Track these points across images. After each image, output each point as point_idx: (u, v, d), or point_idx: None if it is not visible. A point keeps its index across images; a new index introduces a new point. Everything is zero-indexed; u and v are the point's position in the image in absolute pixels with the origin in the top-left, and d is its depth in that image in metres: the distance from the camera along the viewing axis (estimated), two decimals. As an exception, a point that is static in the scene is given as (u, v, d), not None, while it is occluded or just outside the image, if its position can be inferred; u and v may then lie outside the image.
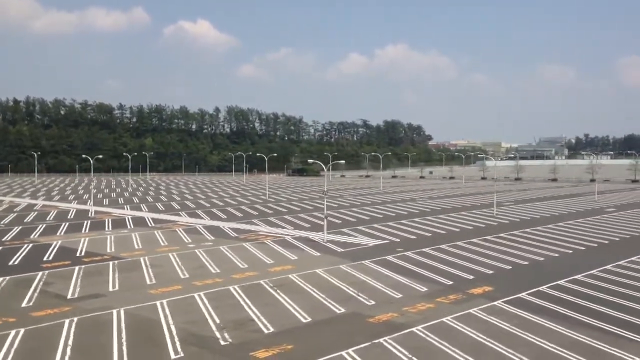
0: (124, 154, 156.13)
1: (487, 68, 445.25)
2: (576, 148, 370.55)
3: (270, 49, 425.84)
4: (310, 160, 74.96)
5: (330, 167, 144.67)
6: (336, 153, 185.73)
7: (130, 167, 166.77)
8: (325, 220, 41.64)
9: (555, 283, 27.02)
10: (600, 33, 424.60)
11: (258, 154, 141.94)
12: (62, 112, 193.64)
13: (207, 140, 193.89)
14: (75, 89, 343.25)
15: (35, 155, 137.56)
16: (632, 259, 32.55)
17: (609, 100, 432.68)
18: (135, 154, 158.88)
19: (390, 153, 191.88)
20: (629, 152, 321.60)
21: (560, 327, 20.27)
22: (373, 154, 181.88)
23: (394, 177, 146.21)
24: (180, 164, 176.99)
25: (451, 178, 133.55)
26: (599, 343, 18.65)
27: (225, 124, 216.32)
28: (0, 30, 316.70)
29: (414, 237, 41.74)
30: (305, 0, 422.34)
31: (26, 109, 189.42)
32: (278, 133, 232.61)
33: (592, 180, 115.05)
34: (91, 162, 74.05)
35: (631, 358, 17.40)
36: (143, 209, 62.33)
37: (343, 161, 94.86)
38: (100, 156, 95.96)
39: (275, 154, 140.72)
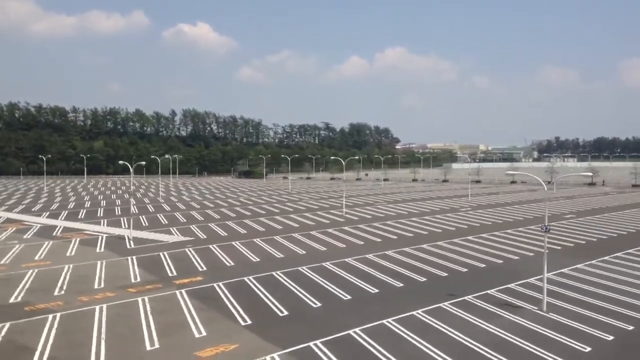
0: (47, 156, 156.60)
1: (484, 71, 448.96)
2: (547, 150, 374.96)
3: (270, 51, 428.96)
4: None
5: (264, 168, 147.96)
6: (297, 155, 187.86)
7: (78, 169, 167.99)
8: (131, 219, 43.43)
9: (269, 273, 29.19)
10: (600, 35, 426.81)
11: (195, 158, 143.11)
12: (17, 115, 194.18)
13: (159, 143, 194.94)
14: (74, 93, 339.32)
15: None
16: (378, 253, 34.57)
17: (608, 103, 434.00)
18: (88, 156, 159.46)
19: (331, 156, 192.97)
20: (594, 154, 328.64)
21: (189, 307, 22.47)
22: (323, 157, 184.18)
23: (332, 179, 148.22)
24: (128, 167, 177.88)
25: (385, 180, 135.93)
26: (197, 319, 20.87)
27: (182, 127, 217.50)
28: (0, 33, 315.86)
29: (226, 234, 43.83)
30: (306, 3, 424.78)
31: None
32: (237, 136, 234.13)
33: (513, 182, 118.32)
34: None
35: (198, 330, 19.56)
36: (16, 209, 63.84)
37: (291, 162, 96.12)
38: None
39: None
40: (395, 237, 41.59)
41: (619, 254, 34.28)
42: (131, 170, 48.16)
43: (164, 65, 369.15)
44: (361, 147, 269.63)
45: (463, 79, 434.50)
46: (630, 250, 35.42)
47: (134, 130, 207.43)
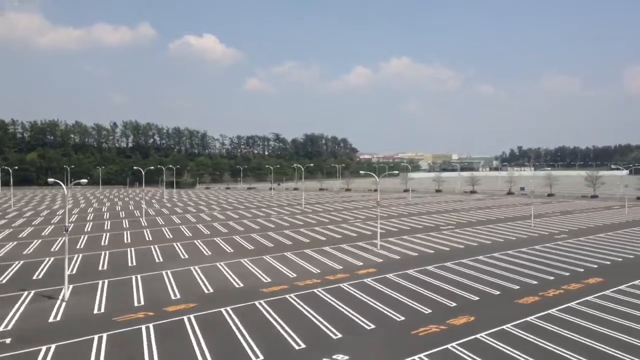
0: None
1: (485, 79, 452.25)
2: (510, 160, 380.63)
3: (275, 62, 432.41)
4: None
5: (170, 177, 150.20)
6: (242, 166, 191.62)
7: (8, 180, 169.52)
8: None
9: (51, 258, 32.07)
10: (603, 42, 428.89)
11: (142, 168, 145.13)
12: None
13: (94, 155, 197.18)
14: (80, 105, 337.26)
15: None
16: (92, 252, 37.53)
17: (608, 110, 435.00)
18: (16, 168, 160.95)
19: (278, 165, 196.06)
20: (550, 163, 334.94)
21: None
22: (267, 167, 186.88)
23: (249, 188, 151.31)
24: (63, 178, 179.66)
25: (295, 189, 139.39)
26: None
27: (122, 139, 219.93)
28: (10, 46, 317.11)
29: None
30: (311, 13, 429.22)
31: None
32: (183, 147, 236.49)
33: (406, 190, 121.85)
34: None
35: None
36: None
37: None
38: None
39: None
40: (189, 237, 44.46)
41: (305, 251, 37.53)
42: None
43: (170, 76, 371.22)
44: (314, 157, 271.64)
45: (462, 87, 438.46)
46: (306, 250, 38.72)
47: (74, 142, 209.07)
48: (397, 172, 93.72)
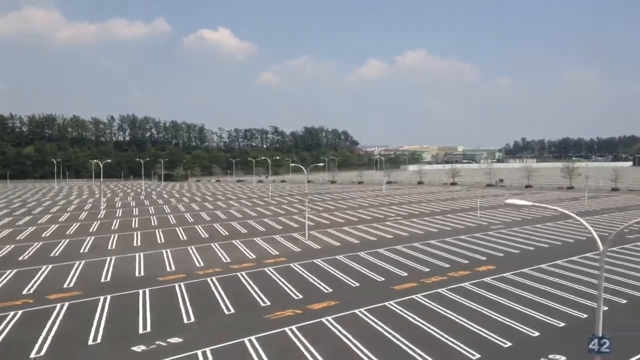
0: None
1: (493, 74, 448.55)
2: (514, 152, 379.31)
3: (289, 56, 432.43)
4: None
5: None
6: (240, 159, 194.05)
7: (4, 174, 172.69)
8: None
9: None
10: (611, 36, 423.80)
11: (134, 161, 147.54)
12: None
13: (91, 149, 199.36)
14: (91, 100, 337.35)
15: None
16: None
17: (615, 102, 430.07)
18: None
19: (259, 158, 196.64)
20: (547, 155, 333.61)
21: None
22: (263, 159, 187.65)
23: (238, 181, 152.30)
24: (58, 171, 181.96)
25: (282, 181, 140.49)
26: None
27: (120, 133, 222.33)
28: (26, 42, 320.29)
29: None
30: (324, 8, 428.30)
31: None
32: (180, 140, 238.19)
33: (389, 182, 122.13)
34: None
35: None
36: None
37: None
38: None
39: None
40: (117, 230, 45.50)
41: (234, 241, 38.20)
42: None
43: (183, 71, 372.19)
44: (313, 150, 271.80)
45: (474, 80, 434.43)
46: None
47: (71, 136, 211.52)
48: (322, 164, 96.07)
